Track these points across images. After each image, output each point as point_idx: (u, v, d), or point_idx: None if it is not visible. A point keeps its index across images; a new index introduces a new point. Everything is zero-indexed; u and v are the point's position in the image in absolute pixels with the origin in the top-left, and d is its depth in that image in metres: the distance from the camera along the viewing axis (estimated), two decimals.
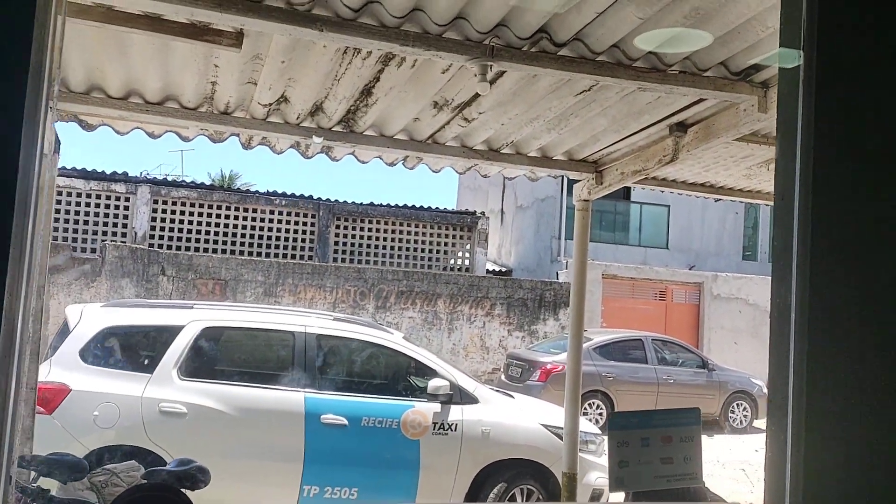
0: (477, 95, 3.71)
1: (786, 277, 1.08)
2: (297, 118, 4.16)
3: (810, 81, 1.10)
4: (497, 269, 19.62)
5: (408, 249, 16.75)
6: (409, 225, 16.75)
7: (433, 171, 4.99)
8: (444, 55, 3.06)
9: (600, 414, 12.06)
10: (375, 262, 16.25)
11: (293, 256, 15.68)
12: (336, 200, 16.25)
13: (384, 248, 16.55)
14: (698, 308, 18.79)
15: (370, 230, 16.51)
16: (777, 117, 1.17)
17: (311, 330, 6.01)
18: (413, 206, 16.91)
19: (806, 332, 1.05)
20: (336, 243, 16.20)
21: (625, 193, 20.03)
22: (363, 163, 4.80)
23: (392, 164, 4.86)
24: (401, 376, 6.34)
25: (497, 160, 4.77)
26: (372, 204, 16.55)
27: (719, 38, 3.00)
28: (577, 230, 5.37)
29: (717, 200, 6.25)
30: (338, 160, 4.76)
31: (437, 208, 17.29)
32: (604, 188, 5.04)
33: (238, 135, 4.42)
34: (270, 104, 3.98)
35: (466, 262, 17.25)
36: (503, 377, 12.96)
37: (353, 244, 16.34)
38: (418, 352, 6.34)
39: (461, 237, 17.30)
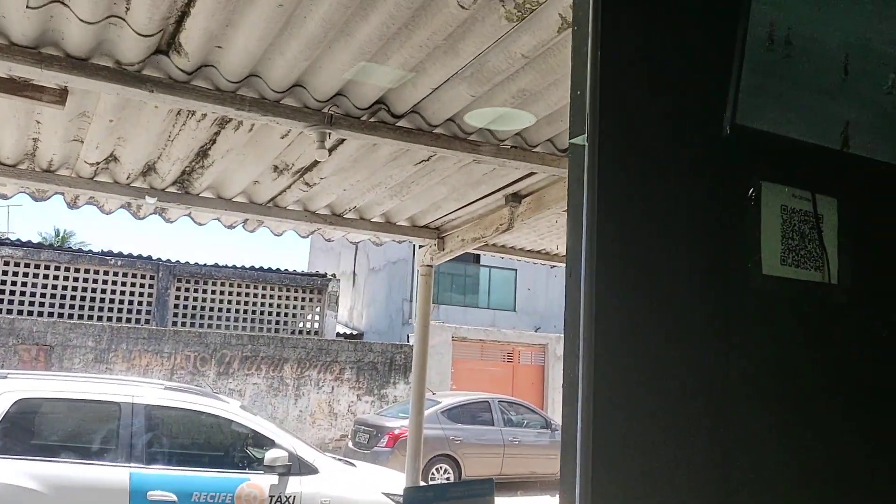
0: (318, 161, 3.72)
1: (574, 352, 1.15)
2: (128, 178, 4.00)
3: (593, 167, 1.20)
4: (348, 332, 19.44)
5: (254, 313, 16.26)
6: (256, 287, 16.31)
7: (275, 235, 4.92)
8: (282, 121, 3.06)
9: (448, 478, 12.06)
10: (219, 326, 15.63)
11: (129, 320, 14.81)
12: (178, 261, 15.60)
13: (229, 311, 15.98)
14: (543, 369, 19.41)
15: (214, 292, 15.91)
16: (568, 199, 1.25)
17: (139, 400, 5.66)
18: (261, 267, 16.53)
19: (591, 410, 1.11)
20: (176, 306, 15.47)
21: (475, 257, 20.56)
22: (200, 225, 4.66)
23: (231, 227, 4.75)
24: (236, 447, 6.07)
25: (340, 225, 4.78)
26: (216, 265, 16.01)
27: (545, 117, 3.20)
28: (420, 295, 5.45)
29: (552, 267, 6.54)
30: (172, 221, 4.60)
31: (286, 270, 16.98)
32: (446, 254, 5.16)
33: (63, 193, 4.17)
34: (98, 163, 3.81)
35: (316, 325, 16.97)
36: (350, 444, 12.72)
37: (195, 307, 15.67)
38: (255, 421, 6.11)
39: (311, 300, 17.03)
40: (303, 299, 16.91)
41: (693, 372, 1.21)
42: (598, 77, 1.21)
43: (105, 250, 15.23)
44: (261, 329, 16.10)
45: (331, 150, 3.54)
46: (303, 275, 17.55)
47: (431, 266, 5.30)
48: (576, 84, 1.26)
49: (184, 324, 15.31)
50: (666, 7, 1.21)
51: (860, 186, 1.31)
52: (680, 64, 1.22)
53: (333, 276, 17.79)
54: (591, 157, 1.20)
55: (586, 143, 1.22)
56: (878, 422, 1.31)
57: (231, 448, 6.09)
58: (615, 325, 1.15)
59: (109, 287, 14.96)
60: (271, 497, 5.56)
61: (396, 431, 11.86)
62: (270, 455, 5.69)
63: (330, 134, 3.15)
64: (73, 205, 4.31)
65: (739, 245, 1.25)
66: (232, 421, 6.00)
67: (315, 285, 17.04)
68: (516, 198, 4.37)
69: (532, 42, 2.60)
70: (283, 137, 3.49)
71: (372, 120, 3.16)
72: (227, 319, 15.90)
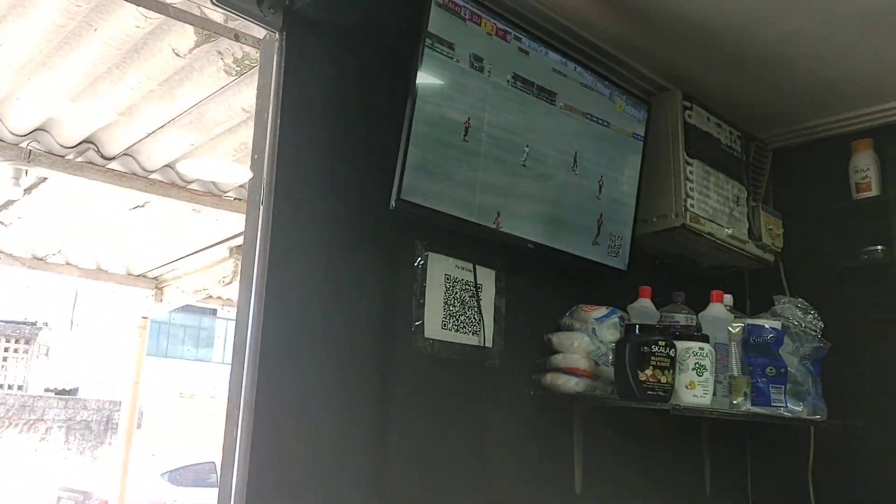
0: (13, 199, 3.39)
1: (234, 414, 1.15)
2: None
3: (267, 226, 1.22)
4: (61, 387, 17.52)
5: None
6: None
7: None
8: None
9: None
10: None
11: None
12: None
13: None
14: None
15: None
16: (243, 257, 1.26)
17: None
18: None
19: (247, 468, 1.11)
20: None
21: (212, 309, 19.65)
22: None
23: None
24: None
25: (43, 269, 4.36)
26: None
27: None
28: (135, 348, 5.10)
29: None
30: None
31: None
32: (164, 305, 4.89)
33: None
34: None
35: (21, 378, 15.10)
36: None
37: None
38: None
39: (16, 350, 15.17)
40: (6, 349, 15.01)
41: (352, 430, 1.26)
42: (277, 143, 1.25)
43: None
44: None
45: (30, 189, 3.25)
46: (7, 322, 15.57)
47: (147, 318, 5.00)
48: (256, 148, 1.29)
49: None
50: (342, 90, 1.30)
51: (511, 260, 1.47)
52: (353, 139, 1.30)
53: (45, 324, 16.01)
54: (266, 216, 1.23)
55: (262, 203, 1.25)
56: (512, 474, 1.46)
57: None
58: (279, 383, 1.17)
59: None
60: None
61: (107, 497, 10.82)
62: None
63: (27, 171, 2.89)
64: None
65: (406, 308, 1.34)
66: None
67: (22, 334, 15.22)
68: (241, 250, 4.28)
69: (252, 98, 2.60)
70: None
71: (79, 160, 2.96)
72: None
